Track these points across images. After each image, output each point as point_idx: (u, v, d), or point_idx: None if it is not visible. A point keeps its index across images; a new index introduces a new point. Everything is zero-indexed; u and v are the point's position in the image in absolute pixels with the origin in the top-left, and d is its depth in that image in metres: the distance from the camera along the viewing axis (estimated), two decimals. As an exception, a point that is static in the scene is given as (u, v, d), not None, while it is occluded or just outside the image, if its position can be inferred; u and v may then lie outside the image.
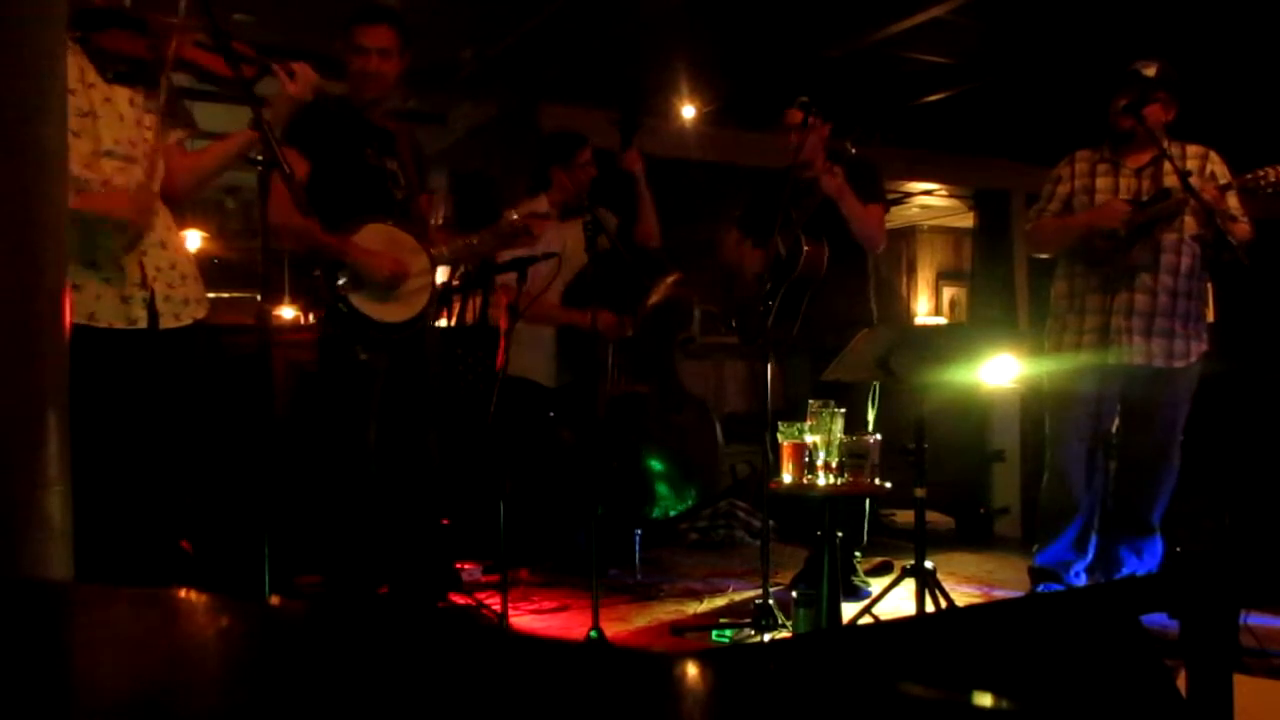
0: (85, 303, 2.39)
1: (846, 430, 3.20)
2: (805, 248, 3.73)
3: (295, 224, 2.87)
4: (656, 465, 4.39)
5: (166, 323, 2.55)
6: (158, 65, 2.41)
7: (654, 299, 4.34)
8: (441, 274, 4.07)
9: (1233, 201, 3.43)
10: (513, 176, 6.16)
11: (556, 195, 4.25)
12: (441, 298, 4.09)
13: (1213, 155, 3.57)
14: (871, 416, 3.80)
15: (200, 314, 2.66)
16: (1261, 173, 3.24)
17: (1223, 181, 3.44)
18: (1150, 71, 3.49)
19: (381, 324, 3.15)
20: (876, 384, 3.77)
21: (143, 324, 2.50)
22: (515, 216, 3.47)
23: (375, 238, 3.15)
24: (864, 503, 3.88)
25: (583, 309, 3.88)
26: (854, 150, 3.61)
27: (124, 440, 2.48)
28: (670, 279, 4.39)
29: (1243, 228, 3.43)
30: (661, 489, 4.42)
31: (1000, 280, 8.00)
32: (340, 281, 3.10)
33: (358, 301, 3.11)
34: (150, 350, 2.52)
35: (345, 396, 3.20)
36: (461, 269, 5.15)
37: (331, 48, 3.28)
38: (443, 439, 3.54)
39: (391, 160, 3.29)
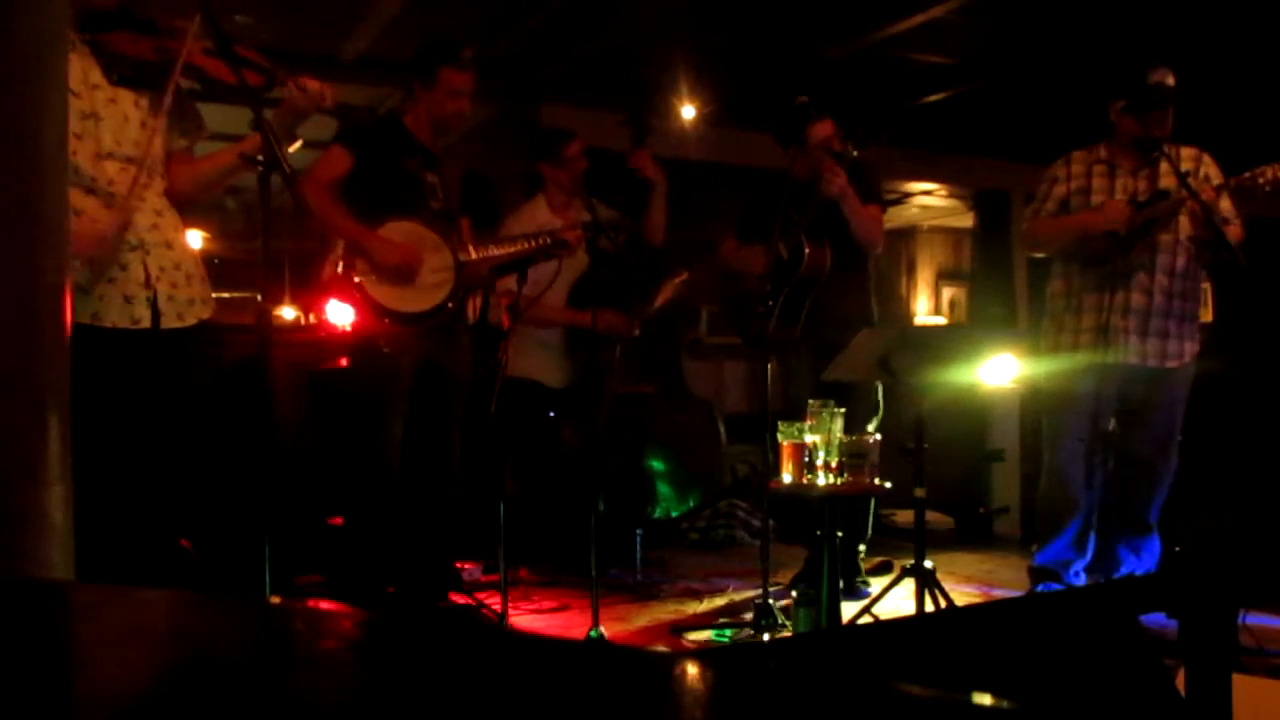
0: (89, 303, 2.39)
1: (849, 430, 3.19)
2: (807, 250, 3.72)
3: (322, 209, 3.11)
4: (660, 465, 4.39)
5: (169, 323, 2.55)
6: (164, 68, 2.40)
7: (661, 299, 4.34)
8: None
9: (1225, 204, 3.43)
10: (513, 176, 6.16)
11: (555, 196, 4.24)
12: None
13: (1206, 158, 3.58)
14: (878, 419, 3.78)
15: (205, 314, 2.66)
16: (1259, 171, 3.24)
17: (1217, 183, 3.44)
18: (1171, 81, 3.50)
19: (392, 311, 3.24)
20: (879, 384, 3.76)
21: (146, 324, 2.50)
22: (560, 225, 3.57)
23: (398, 232, 3.27)
24: (870, 498, 3.84)
25: (586, 310, 3.89)
26: (856, 154, 3.61)
27: (125, 440, 2.47)
28: (677, 279, 4.39)
29: (1235, 230, 3.43)
30: (664, 489, 4.42)
31: (1000, 280, 8.01)
32: (358, 266, 3.22)
33: (369, 286, 3.22)
34: (153, 350, 2.52)
35: (371, 393, 3.30)
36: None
37: (340, 51, 3.32)
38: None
39: (432, 175, 3.41)
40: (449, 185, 3.48)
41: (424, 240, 3.30)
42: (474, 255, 3.41)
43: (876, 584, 3.67)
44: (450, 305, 3.35)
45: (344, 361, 3.83)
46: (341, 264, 3.28)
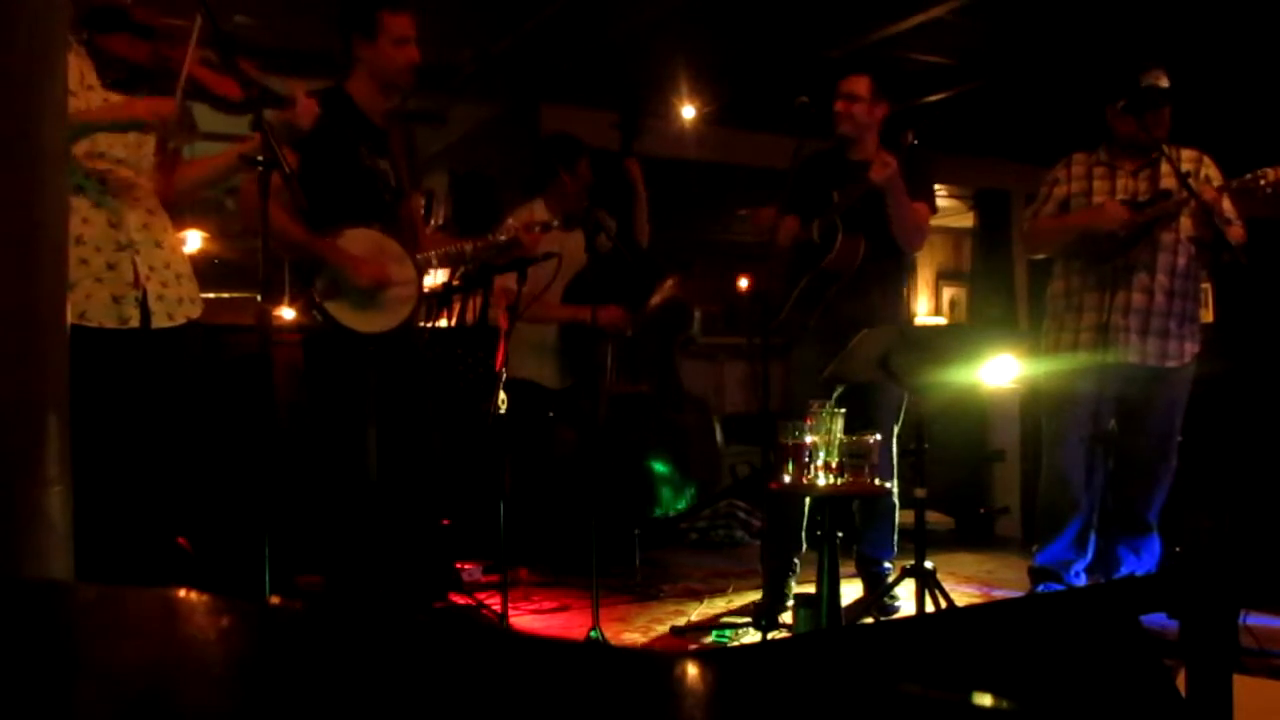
0: (76, 302, 2.38)
1: (861, 429, 3.18)
2: (839, 239, 3.52)
3: (275, 222, 2.77)
4: (656, 465, 4.40)
5: (159, 322, 2.54)
6: (159, 75, 2.40)
7: (655, 300, 4.35)
8: (442, 274, 4.06)
9: (1227, 205, 3.44)
10: (513, 176, 6.16)
11: (555, 201, 4.23)
12: (441, 298, 4.08)
13: (1206, 159, 3.58)
14: (898, 425, 3.63)
15: (194, 313, 2.66)
16: (1261, 173, 3.24)
17: (1217, 184, 3.45)
18: (1164, 83, 3.49)
19: (358, 334, 3.03)
20: (905, 392, 3.54)
21: (135, 323, 2.49)
22: (513, 223, 3.45)
23: (359, 243, 3.04)
24: (892, 509, 3.68)
25: (584, 306, 3.89)
26: (915, 141, 3.45)
27: (118, 440, 2.47)
28: (671, 280, 4.39)
29: (1236, 231, 3.43)
30: (661, 489, 4.42)
31: (1000, 280, 8.01)
32: (317, 286, 2.98)
33: (334, 309, 2.99)
34: (142, 350, 2.52)
35: (337, 397, 3.13)
36: (462, 269, 5.16)
37: (336, 45, 3.23)
38: (443, 439, 3.51)
39: (384, 160, 3.19)
40: (399, 162, 3.24)
41: (386, 251, 3.08)
42: (434, 260, 3.24)
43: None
44: (414, 319, 3.19)
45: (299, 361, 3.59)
46: (288, 278, 3.06)
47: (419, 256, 3.20)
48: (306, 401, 3.63)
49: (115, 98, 2.48)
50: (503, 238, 3.35)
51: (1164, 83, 3.50)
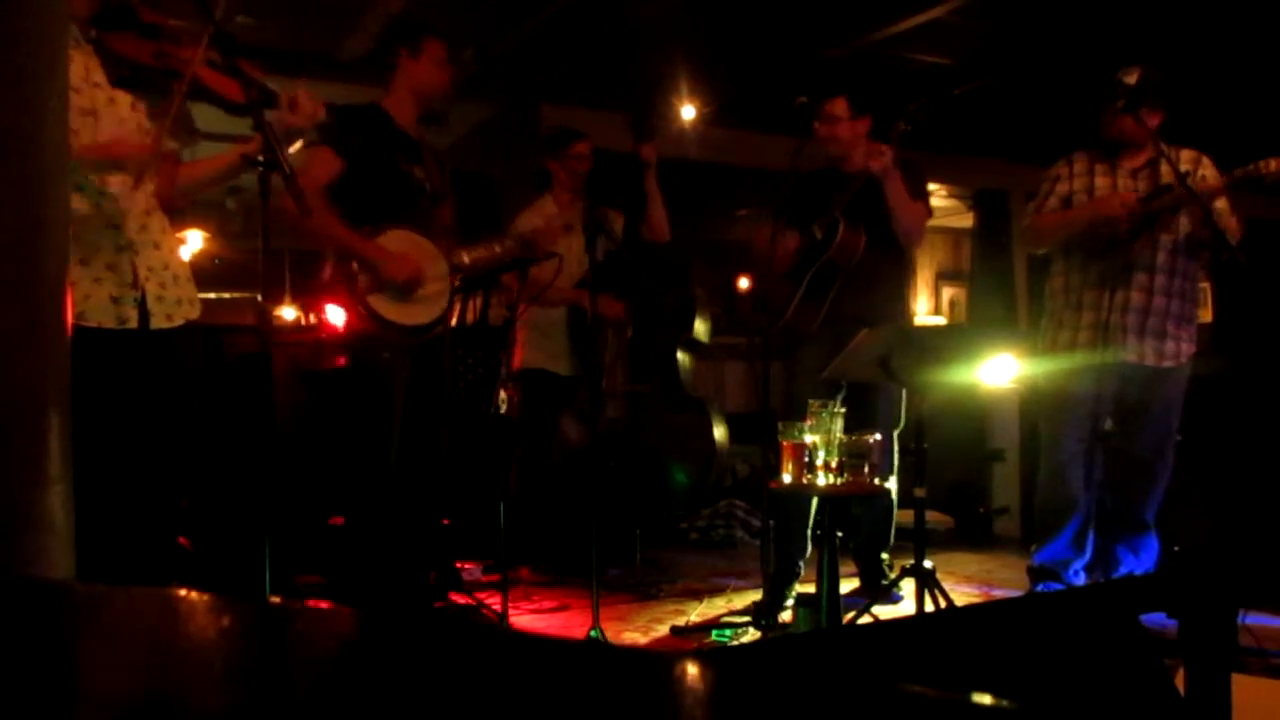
0: (75, 302, 2.38)
1: (862, 429, 3.18)
2: (841, 227, 3.59)
3: (319, 220, 2.95)
4: (656, 466, 4.39)
5: (158, 323, 2.54)
6: (165, 75, 2.40)
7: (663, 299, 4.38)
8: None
9: (1222, 203, 3.44)
10: (513, 176, 6.17)
11: (562, 193, 4.29)
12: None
13: (1205, 159, 3.58)
14: (899, 429, 3.67)
15: (193, 315, 2.66)
16: (1263, 163, 3.24)
17: (1214, 185, 3.45)
18: (1131, 80, 3.50)
19: (399, 326, 3.16)
20: (904, 390, 3.59)
21: (133, 324, 2.49)
22: (537, 221, 3.51)
23: (397, 243, 3.17)
24: (891, 502, 3.72)
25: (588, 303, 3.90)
26: (906, 128, 3.49)
27: (118, 440, 2.47)
28: (671, 296, 4.43)
29: (1232, 225, 3.44)
30: (660, 489, 4.42)
31: (1000, 280, 8.00)
32: (361, 283, 3.12)
33: (375, 303, 3.13)
34: (140, 350, 2.51)
35: (371, 398, 3.22)
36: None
37: (340, 51, 3.28)
38: (448, 438, 3.54)
39: (419, 168, 3.31)
40: (433, 170, 3.37)
41: (422, 250, 3.22)
42: (466, 260, 3.37)
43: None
44: (448, 314, 3.31)
45: (341, 361, 3.74)
46: (332, 272, 3.18)
47: (454, 260, 3.32)
48: (320, 400, 3.68)
49: (120, 95, 2.49)
50: (529, 236, 3.47)
51: (1131, 80, 3.49)
